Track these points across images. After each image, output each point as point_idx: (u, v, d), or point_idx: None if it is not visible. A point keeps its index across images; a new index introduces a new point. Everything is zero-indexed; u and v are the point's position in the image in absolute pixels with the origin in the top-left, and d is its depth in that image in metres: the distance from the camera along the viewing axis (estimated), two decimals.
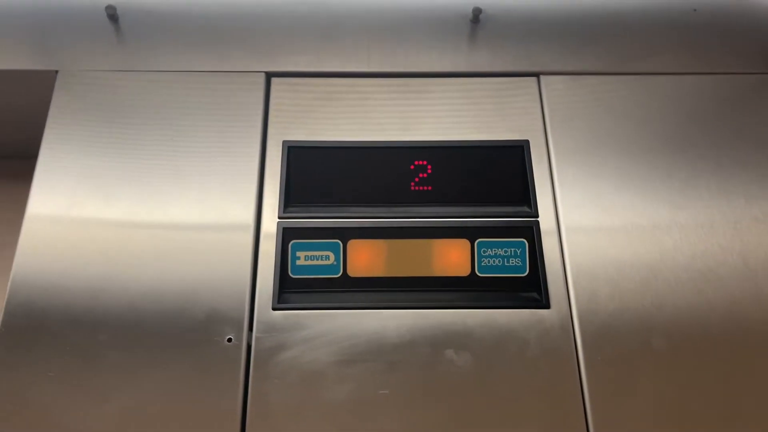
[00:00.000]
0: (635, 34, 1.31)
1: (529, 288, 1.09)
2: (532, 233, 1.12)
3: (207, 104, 1.23)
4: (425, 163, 1.19)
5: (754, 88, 1.26)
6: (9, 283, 1.06)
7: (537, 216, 1.14)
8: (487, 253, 1.11)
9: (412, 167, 1.19)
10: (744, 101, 1.25)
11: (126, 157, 1.17)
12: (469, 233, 1.13)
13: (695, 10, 1.33)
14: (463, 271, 1.11)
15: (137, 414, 0.98)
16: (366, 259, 1.12)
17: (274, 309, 1.06)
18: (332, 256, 1.11)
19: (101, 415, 0.98)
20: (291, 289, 1.09)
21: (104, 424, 0.98)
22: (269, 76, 1.27)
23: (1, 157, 1.56)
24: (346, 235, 1.13)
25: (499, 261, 1.11)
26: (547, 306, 1.07)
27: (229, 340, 1.03)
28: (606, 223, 1.13)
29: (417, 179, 1.18)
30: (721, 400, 1.01)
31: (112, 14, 1.28)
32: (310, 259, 1.11)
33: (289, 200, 1.16)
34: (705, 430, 0.99)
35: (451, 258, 1.12)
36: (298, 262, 1.11)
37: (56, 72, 1.24)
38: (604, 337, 1.04)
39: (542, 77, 1.27)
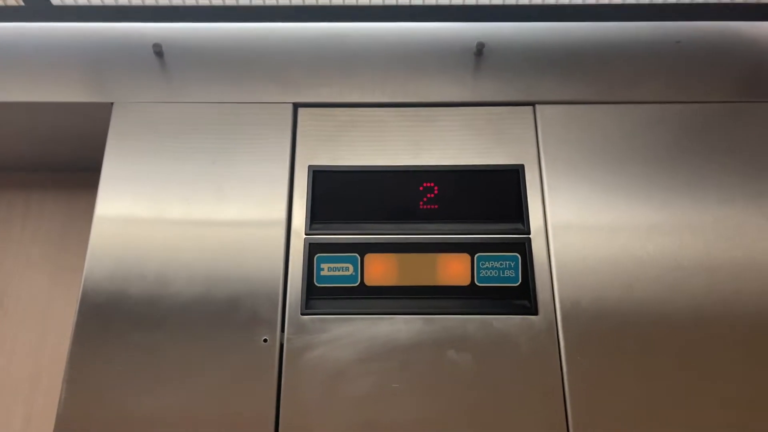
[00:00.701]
0: (623, 65, 1.46)
1: (521, 296, 1.26)
2: (524, 248, 1.29)
3: (242, 132, 1.40)
4: (432, 185, 1.36)
5: (728, 115, 1.40)
6: (81, 287, 1.25)
7: (529, 233, 1.30)
8: (485, 266, 1.28)
9: (421, 188, 1.35)
10: (718, 128, 1.39)
11: (174, 178, 1.35)
12: (470, 248, 1.30)
13: (678, 42, 1.47)
14: (464, 281, 1.28)
15: (190, 402, 1.18)
16: (381, 270, 1.29)
17: (302, 314, 1.24)
18: (351, 268, 1.29)
19: (161, 402, 1.18)
20: (316, 296, 1.26)
21: (164, 409, 1.17)
22: (296, 106, 1.43)
23: (64, 170, 1.76)
24: (363, 249, 1.30)
25: (496, 272, 1.28)
26: (535, 312, 1.24)
27: (265, 340, 1.22)
28: (590, 240, 1.29)
29: (425, 199, 1.35)
30: (689, 397, 1.17)
31: (159, 51, 1.46)
32: (332, 270, 1.29)
33: (314, 218, 1.33)
34: (672, 423, 1.16)
35: (454, 270, 1.28)
36: (322, 273, 1.28)
37: (112, 104, 1.42)
38: (585, 340, 1.21)
39: (537, 106, 1.42)
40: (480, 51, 1.46)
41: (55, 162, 1.71)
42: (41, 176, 1.75)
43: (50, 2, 1.39)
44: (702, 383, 1.18)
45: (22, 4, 1.40)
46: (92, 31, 1.50)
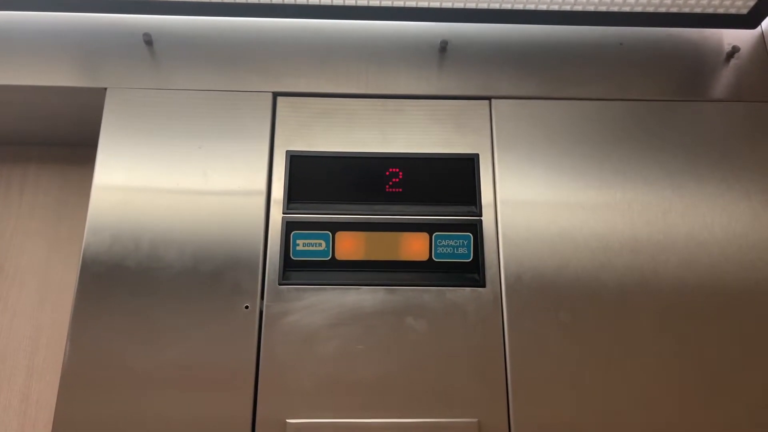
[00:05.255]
0: (570, 65, 1.61)
1: (472, 271, 1.42)
2: (476, 229, 1.45)
3: (225, 118, 1.52)
4: (398, 170, 1.50)
5: (662, 113, 1.56)
6: (80, 258, 1.39)
7: (481, 215, 1.46)
8: (441, 244, 1.45)
9: (387, 173, 1.50)
10: (652, 124, 1.55)
11: (164, 159, 1.48)
12: (429, 228, 1.45)
13: (621, 44, 1.62)
14: (423, 256, 1.44)
15: (179, 362, 1.33)
16: (350, 246, 1.44)
17: (280, 284, 1.39)
18: (324, 244, 1.44)
19: (154, 359, 1.33)
20: (292, 268, 1.41)
21: (157, 364, 1.32)
22: (275, 95, 1.56)
23: (59, 145, 1.87)
24: (334, 227, 1.45)
25: (451, 249, 1.44)
26: (483, 285, 1.41)
27: (246, 307, 1.37)
28: (533, 222, 1.46)
29: (391, 183, 1.49)
30: (610, 359, 1.36)
31: (148, 40, 1.57)
32: (307, 245, 1.44)
33: (291, 198, 1.47)
34: (594, 381, 1.34)
35: (414, 247, 1.45)
36: (297, 248, 1.43)
37: (105, 89, 1.54)
38: (525, 310, 1.39)
39: (493, 101, 1.56)
40: (444, 48, 1.60)
41: (51, 138, 1.82)
42: (38, 150, 1.86)
43: None
44: (622, 347, 1.37)
45: None
46: (86, 21, 1.60)
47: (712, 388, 1.35)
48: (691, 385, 1.35)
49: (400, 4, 1.54)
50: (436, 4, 1.54)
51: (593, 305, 1.40)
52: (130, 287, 1.38)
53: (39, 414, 1.64)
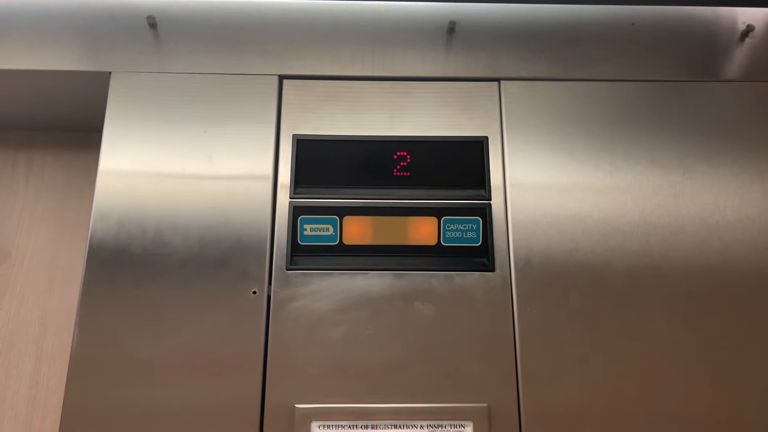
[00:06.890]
0: (581, 44, 1.58)
1: (481, 255, 1.41)
2: (485, 213, 1.44)
3: (231, 102, 1.51)
4: (406, 153, 1.48)
5: (675, 94, 1.53)
6: (87, 245, 1.39)
7: (490, 199, 1.45)
8: (450, 228, 1.43)
9: (395, 157, 1.48)
10: (664, 106, 1.52)
11: (168, 145, 1.47)
12: (437, 212, 1.44)
13: (633, 24, 1.59)
14: (431, 241, 1.43)
15: (187, 348, 1.32)
16: (357, 231, 1.43)
17: (287, 269, 1.38)
18: (331, 229, 1.43)
19: (161, 345, 1.32)
20: (300, 253, 1.41)
21: (164, 350, 1.32)
22: (281, 78, 1.54)
23: (64, 130, 1.86)
24: (342, 212, 1.44)
25: (459, 234, 1.43)
26: (492, 269, 1.39)
27: (254, 292, 1.37)
28: (543, 206, 1.44)
29: (398, 167, 1.48)
30: (617, 343, 1.35)
31: (152, 23, 1.55)
32: (314, 230, 1.43)
33: (298, 183, 1.45)
34: (602, 364, 1.33)
35: (423, 231, 1.43)
36: (305, 233, 1.43)
37: (110, 73, 1.52)
38: (534, 294, 1.38)
39: (502, 82, 1.54)
40: (452, 29, 1.57)
41: (56, 123, 1.81)
42: (43, 136, 1.85)
43: None
44: (632, 331, 1.36)
45: None
46: (89, 3, 1.58)
47: (723, 373, 1.34)
48: (701, 370, 1.34)
49: None
50: None
51: (603, 289, 1.38)
52: (136, 273, 1.37)
53: (48, 399, 1.65)
